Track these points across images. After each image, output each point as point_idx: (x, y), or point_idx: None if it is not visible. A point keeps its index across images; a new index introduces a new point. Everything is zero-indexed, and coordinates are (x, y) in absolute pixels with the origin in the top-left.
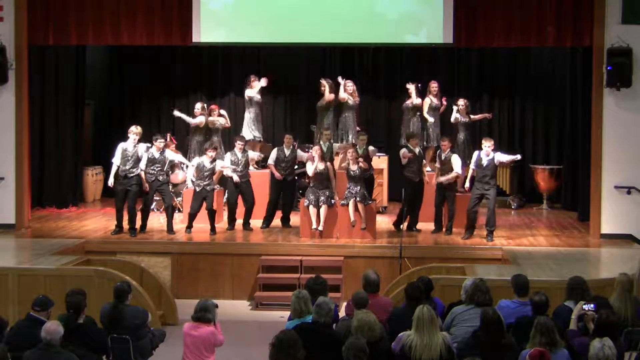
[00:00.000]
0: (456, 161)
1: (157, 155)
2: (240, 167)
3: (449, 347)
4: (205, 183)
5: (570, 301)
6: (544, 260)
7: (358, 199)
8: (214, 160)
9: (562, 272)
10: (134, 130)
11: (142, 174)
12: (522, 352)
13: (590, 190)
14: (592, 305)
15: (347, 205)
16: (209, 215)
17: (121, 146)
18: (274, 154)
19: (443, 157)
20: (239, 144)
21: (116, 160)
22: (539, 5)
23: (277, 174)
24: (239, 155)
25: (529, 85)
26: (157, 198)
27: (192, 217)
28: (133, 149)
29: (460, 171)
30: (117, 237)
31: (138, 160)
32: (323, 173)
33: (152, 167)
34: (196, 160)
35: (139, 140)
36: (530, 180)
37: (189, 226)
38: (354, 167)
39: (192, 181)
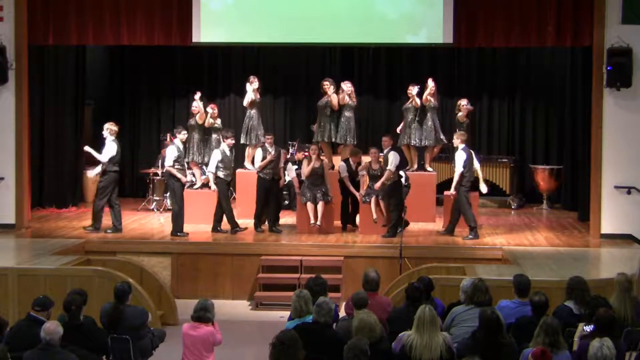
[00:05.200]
0: (392, 159)
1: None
2: (273, 163)
3: (450, 347)
4: (228, 172)
5: (570, 301)
6: (544, 260)
7: (380, 196)
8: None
9: (562, 272)
10: (114, 129)
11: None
12: (525, 351)
13: (590, 190)
14: (592, 327)
15: (369, 202)
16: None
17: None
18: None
19: (383, 154)
20: (267, 139)
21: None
22: (539, 5)
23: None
24: (271, 150)
25: (529, 85)
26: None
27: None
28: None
29: (393, 168)
30: (117, 237)
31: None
32: (318, 171)
33: (179, 163)
34: (217, 151)
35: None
36: (530, 180)
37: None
38: (375, 167)
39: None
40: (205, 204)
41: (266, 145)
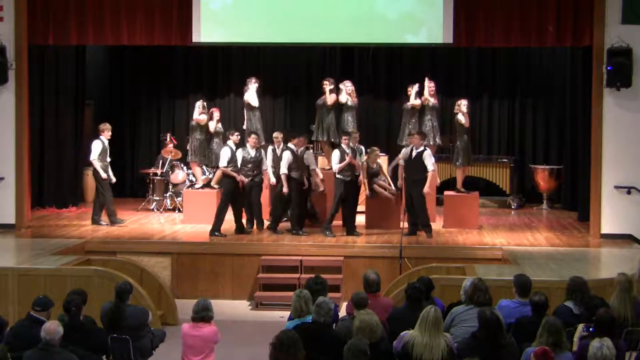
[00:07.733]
0: (310, 158)
1: (252, 152)
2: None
3: (452, 350)
4: (252, 174)
5: (570, 301)
6: (544, 260)
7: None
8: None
9: (562, 272)
10: (107, 127)
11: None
12: (527, 350)
13: (590, 190)
14: (591, 328)
15: (376, 197)
16: (254, 210)
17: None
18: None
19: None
20: (344, 139)
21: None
22: (539, 5)
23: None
24: (348, 150)
25: (529, 85)
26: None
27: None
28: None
29: (317, 168)
30: (117, 237)
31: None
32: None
33: (232, 165)
34: (240, 152)
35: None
36: (530, 180)
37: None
38: (373, 165)
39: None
40: (205, 204)
41: (343, 145)
